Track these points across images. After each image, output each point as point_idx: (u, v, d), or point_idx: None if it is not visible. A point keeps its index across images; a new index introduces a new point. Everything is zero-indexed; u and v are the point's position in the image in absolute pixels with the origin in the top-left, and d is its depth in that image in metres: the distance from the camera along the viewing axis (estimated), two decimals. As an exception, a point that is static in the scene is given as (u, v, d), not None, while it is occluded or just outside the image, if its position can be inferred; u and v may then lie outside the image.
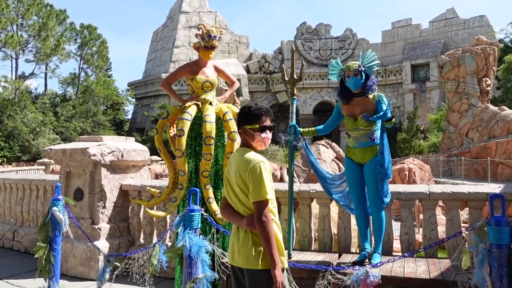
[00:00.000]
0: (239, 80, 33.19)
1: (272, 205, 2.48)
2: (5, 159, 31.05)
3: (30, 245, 6.68)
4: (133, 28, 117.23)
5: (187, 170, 4.35)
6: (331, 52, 36.94)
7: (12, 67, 39.26)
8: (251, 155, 2.48)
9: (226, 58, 35.71)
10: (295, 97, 4.30)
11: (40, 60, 39.93)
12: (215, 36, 4.49)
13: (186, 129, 4.25)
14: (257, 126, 2.53)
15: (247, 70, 35.72)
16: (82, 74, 44.26)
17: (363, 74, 3.83)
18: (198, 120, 4.37)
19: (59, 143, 27.92)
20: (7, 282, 5.23)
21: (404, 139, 26.05)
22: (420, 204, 4.84)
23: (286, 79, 4.43)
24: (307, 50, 37.01)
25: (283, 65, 5.13)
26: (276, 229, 2.44)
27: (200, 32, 4.52)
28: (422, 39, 34.84)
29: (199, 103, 4.45)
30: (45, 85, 43.29)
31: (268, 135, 2.58)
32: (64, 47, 40.91)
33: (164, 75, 32.60)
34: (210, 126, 4.23)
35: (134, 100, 42.63)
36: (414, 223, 8.92)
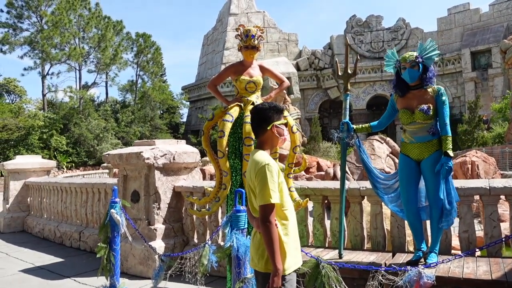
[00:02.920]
0: (289, 78, 33.07)
1: (284, 208, 2.43)
2: (73, 164, 33.26)
3: (94, 245, 7.09)
4: (185, 34, 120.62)
5: (230, 170, 4.41)
6: (383, 44, 35.74)
7: (76, 78, 41.96)
8: (260, 156, 2.42)
9: (275, 57, 35.72)
10: (348, 92, 4.19)
11: (100, 69, 42.24)
12: (253, 35, 4.48)
13: (227, 130, 4.29)
14: (285, 121, 2.56)
15: (297, 67, 35.48)
16: (139, 80, 46.24)
17: (421, 66, 3.62)
18: (241, 121, 4.40)
19: (121, 148, 29.40)
20: (74, 280, 5.59)
21: (466, 130, 24.62)
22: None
23: (340, 74, 4.33)
24: (358, 43, 36.08)
25: (336, 60, 4.97)
26: (283, 234, 2.39)
27: (238, 33, 4.56)
28: (482, 24, 32.70)
29: (242, 104, 4.49)
30: (106, 93, 45.78)
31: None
32: (121, 56, 42.97)
33: (215, 78, 33.16)
34: (249, 127, 4.24)
35: (188, 103, 43.86)
36: (479, 219, 8.38)
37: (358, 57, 4.80)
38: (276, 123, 2.50)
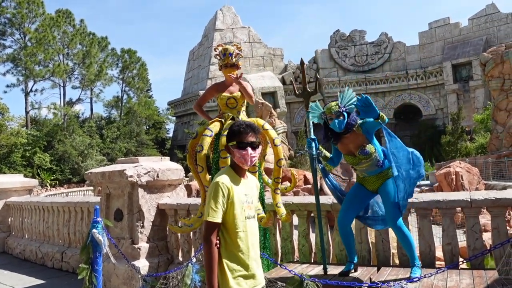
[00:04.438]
0: (275, 92, 33.33)
1: (237, 230, 2.35)
2: (57, 182, 32.71)
3: (77, 265, 6.91)
4: (170, 49, 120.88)
5: None
6: (367, 57, 36.37)
7: (60, 94, 41.48)
8: (219, 174, 2.45)
9: (261, 71, 35.98)
10: (309, 110, 4.26)
11: (85, 86, 41.98)
12: (230, 53, 4.56)
13: (206, 145, 4.32)
14: (235, 142, 2.43)
15: (283, 81, 35.77)
16: (125, 96, 46.05)
17: (345, 114, 3.80)
18: (221, 136, 4.43)
19: (106, 164, 29.08)
20: (56, 303, 5.45)
21: (449, 141, 25.02)
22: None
23: (298, 92, 4.44)
24: (342, 57, 36.65)
25: (291, 79, 5.10)
26: (225, 256, 2.34)
27: (217, 53, 4.63)
28: (462, 37, 33.57)
29: (223, 120, 4.53)
30: (91, 109, 45.40)
31: (248, 151, 2.40)
32: (106, 72, 42.84)
33: (202, 92, 33.27)
34: (225, 139, 4.26)
35: (174, 118, 43.75)
36: (465, 229, 8.47)
37: (318, 75, 4.92)
38: (229, 144, 2.47)
